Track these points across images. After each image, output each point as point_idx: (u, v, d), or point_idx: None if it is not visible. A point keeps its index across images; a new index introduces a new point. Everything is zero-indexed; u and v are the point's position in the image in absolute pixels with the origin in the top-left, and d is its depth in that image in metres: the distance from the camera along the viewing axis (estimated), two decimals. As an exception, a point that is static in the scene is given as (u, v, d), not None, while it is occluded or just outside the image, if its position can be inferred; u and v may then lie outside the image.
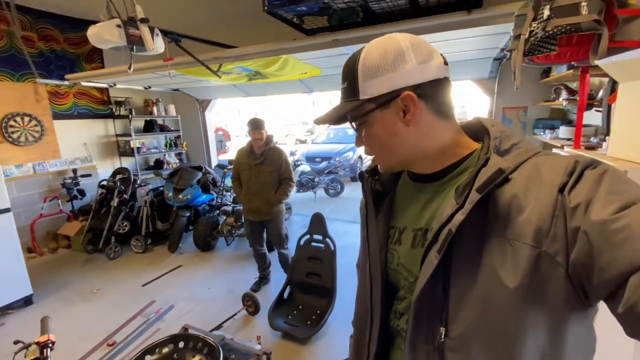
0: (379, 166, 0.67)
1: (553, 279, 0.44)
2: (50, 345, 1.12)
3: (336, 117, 0.60)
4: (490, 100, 3.95)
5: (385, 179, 0.71)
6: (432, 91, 0.56)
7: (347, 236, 4.51)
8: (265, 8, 2.06)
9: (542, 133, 3.25)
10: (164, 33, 2.21)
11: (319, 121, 0.63)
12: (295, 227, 5.00)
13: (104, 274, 3.62)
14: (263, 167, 2.82)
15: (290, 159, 6.32)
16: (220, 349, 1.48)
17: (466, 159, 0.59)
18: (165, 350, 1.50)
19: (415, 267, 0.60)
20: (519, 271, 0.46)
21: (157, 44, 2.12)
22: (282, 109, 25.25)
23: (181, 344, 1.54)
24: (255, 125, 2.76)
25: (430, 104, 0.56)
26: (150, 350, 1.48)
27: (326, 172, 6.69)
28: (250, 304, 2.77)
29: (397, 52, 0.54)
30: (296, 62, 3.23)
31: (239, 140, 19.35)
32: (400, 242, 0.64)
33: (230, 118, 26.71)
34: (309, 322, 2.53)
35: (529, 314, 0.46)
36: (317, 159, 7.56)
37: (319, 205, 6.06)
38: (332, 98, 28.58)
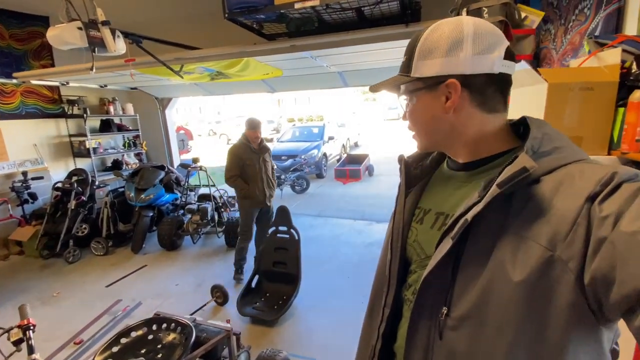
0: (417, 144, 0.68)
1: (561, 284, 0.45)
2: (31, 327, 1.22)
3: (388, 88, 0.65)
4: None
5: (426, 165, 0.75)
6: (480, 84, 0.56)
7: (312, 229, 4.75)
8: (226, 15, 2.20)
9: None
10: (125, 34, 2.28)
11: (373, 89, 0.67)
12: (261, 223, 5.15)
13: (64, 277, 3.53)
14: (266, 158, 3.30)
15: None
16: (193, 327, 1.64)
17: (504, 154, 0.59)
18: (139, 332, 1.64)
19: (428, 247, 0.64)
20: (526, 269, 0.46)
21: (119, 46, 2.19)
22: (247, 107, 24.93)
23: (154, 327, 1.68)
24: (256, 126, 3.16)
25: (475, 95, 0.57)
26: (124, 333, 1.61)
27: (292, 169, 6.87)
28: (219, 295, 2.90)
29: (455, 39, 0.54)
30: (258, 63, 3.39)
31: (202, 140, 18.86)
32: (422, 222, 0.68)
33: (192, 117, 25.85)
34: (275, 307, 2.73)
35: (529, 311, 0.47)
36: (283, 157, 7.70)
37: (286, 201, 6.21)
38: (297, 97, 28.68)
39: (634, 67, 1.12)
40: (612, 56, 1.20)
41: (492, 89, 0.57)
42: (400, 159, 0.75)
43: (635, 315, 0.39)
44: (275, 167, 3.46)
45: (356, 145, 13.36)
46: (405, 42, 2.67)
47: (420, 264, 0.65)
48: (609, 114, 1.16)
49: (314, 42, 2.36)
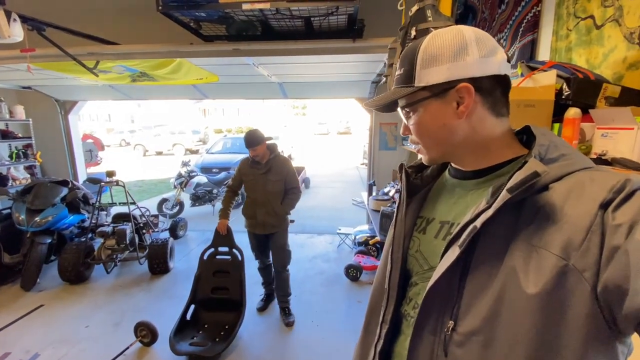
0: (422, 157, 0.65)
1: (577, 295, 0.43)
2: None
3: (387, 102, 0.62)
4: (370, 116, 4.59)
5: (426, 174, 0.72)
6: (490, 86, 0.55)
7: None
8: (160, 8, 1.93)
9: (408, 144, 4.00)
10: (24, 19, 1.82)
11: (369, 104, 0.65)
12: (193, 244, 4.65)
13: None
14: (269, 177, 2.65)
15: (183, 170, 5.87)
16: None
17: (510, 162, 0.58)
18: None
19: (431, 257, 0.61)
20: (540, 279, 0.44)
21: (14, 31, 1.73)
22: (167, 115, 22.96)
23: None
24: (248, 143, 2.53)
25: (487, 99, 0.56)
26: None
27: (225, 183, 6.44)
28: (146, 333, 2.44)
29: (460, 44, 0.54)
30: (192, 66, 3.08)
31: (112, 151, 16.56)
32: (424, 232, 0.65)
33: (99, 125, 22.73)
34: (217, 339, 2.41)
35: (543, 326, 0.44)
36: (214, 170, 7.20)
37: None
38: (225, 107, 27.59)
39: (565, 88, 1.28)
40: (546, 78, 1.36)
41: (499, 90, 0.56)
42: (401, 168, 0.73)
43: None
44: (299, 187, 2.87)
45: (290, 157, 13.35)
46: (352, 57, 2.71)
47: (422, 275, 0.62)
48: (547, 127, 1.30)
49: (260, 48, 2.23)
